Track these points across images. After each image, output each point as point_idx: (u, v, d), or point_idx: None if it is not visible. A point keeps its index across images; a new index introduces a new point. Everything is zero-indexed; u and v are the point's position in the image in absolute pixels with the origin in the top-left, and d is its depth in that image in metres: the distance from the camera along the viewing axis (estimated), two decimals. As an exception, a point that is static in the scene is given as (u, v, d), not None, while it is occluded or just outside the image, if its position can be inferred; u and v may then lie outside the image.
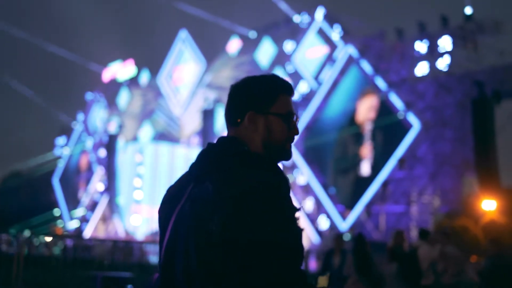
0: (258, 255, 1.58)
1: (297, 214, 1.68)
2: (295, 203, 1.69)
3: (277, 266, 1.59)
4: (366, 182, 27.44)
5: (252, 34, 34.63)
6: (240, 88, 1.85)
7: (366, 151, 28.01)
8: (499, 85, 24.45)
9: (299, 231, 1.68)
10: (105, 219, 41.13)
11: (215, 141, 1.82)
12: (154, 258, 20.53)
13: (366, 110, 28.15)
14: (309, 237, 28.00)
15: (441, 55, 25.54)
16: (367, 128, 28.12)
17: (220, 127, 35.23)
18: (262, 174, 1.68)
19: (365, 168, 28.11)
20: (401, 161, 26.38)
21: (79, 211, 43.65)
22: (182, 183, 1.81)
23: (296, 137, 1.88)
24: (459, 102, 25.74)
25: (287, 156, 1.84)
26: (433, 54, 25.89)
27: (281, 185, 1.67)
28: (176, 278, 1.69)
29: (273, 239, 1.60)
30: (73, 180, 46.12)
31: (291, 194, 1.71)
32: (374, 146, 27.70)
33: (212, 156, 1.76)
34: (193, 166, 1.80)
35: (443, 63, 25.55)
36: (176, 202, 1.76)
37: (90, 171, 44.14)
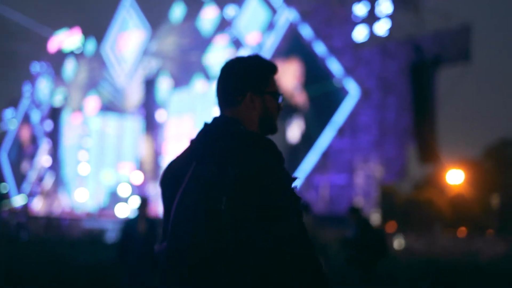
0: (266, 230, 1.67)
1: (294, 184, 1.79)
2: (292, 175, 1.81)
3: (285, 240, 1.68)
4: (299, 152, 26.28)
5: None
6: (234, 70, 1.97)
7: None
8: (442, 50, 23.56)
9: (299, 200, 1.79)
10: (50, 194, 39.86)
11: (210, 121, 1.92)
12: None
13: (291, 78, 26.81)
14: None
15: (381, 18, 24.48)
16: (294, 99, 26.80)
17: (163, 97, 33.92)
18: (262, 153, 1.78)
19: (294, 137, 26.79)
20: (340, 130, 25.44)
21: (26, 186, 42.37)
22: (184, 160, 1.87)
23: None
24: (402, 68, 24.84)
25: (276, 130, 2.01)
26: (373, 17, 24.81)
27: (280, 162, 1.81)
28: (184, 254, 1.74)
29: (279, 215, 1.69)
30: (20, 154, 44.67)
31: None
32: (305, 116, 26.46)
33: (212, 136, 1.85)
34: (194, 145, 1.89)
35: (383, 27, 24.47)
36: (180, 180, 1.83)
37: (36, 144, 42.70)
